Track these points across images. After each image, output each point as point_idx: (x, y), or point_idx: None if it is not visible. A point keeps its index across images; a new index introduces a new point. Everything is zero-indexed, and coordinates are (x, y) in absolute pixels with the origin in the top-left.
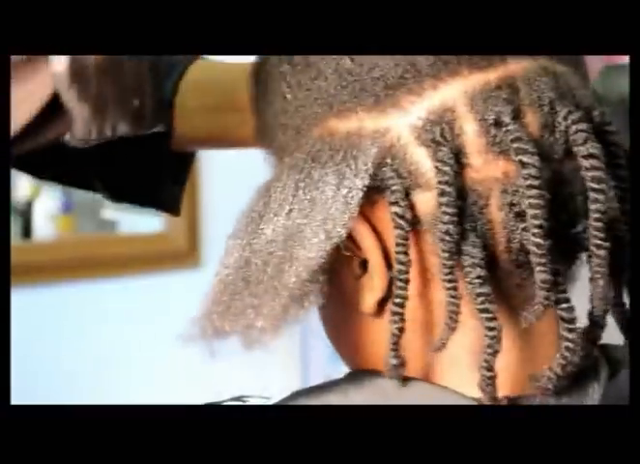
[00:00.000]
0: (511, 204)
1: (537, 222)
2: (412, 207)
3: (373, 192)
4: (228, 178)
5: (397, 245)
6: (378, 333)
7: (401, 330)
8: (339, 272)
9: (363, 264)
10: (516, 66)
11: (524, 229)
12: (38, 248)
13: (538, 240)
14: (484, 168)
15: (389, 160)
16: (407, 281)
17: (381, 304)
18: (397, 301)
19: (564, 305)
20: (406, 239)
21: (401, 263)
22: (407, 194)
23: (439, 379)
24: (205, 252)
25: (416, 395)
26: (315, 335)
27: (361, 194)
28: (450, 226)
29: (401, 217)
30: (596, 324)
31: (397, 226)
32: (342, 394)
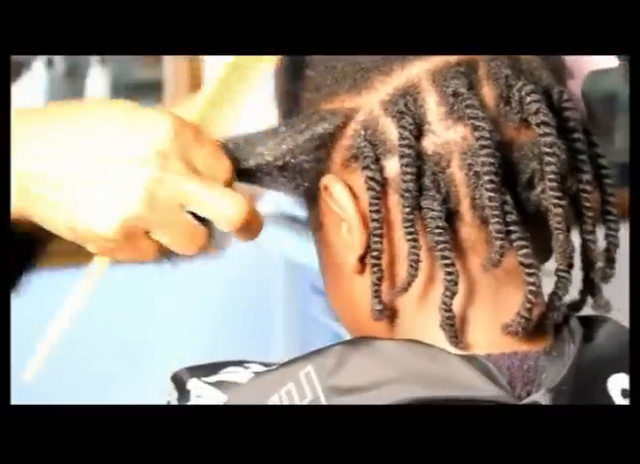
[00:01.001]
0: (470, 164)
1: (488, 178)
2: (382, 170)
3: (351, 161)
4: None
5: (370, 204)
6: (363, 288)
7: (380, 279)
8: (331, 234)
9: (348, 228)
10: None
11: (481, 185)
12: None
13: (491, 193)
14: (445, 133)
15: (362, 132)
16: (381, 236)
17: (362, 262)
18: (374, 253)
19: (522, 252)
20: (378, 198)
21: (374, 220)
22: (377, 160)
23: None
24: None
25: (404, 354)
26: (314, 322)
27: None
28: (410, 184)
29: (372, 178)
30: (562, 278)
31: (369, 187)
32: (338, 354)
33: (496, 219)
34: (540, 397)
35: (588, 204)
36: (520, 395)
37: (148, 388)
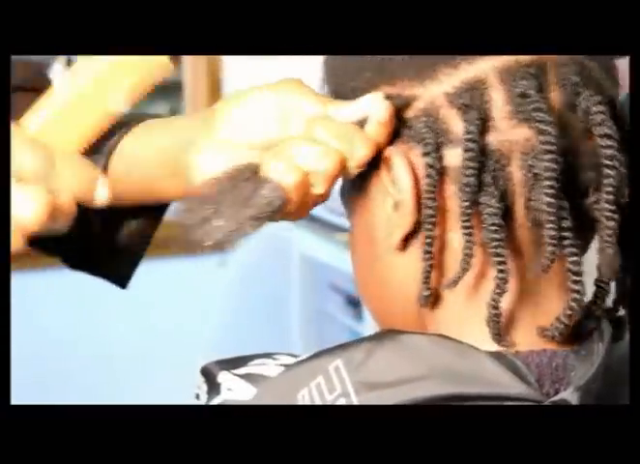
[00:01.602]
0: (530, 166)
1: (549, 183)
2: (441, 159)
3: (413, 142)
4: None
5: (426, 191)
6: (402, 268)
7: (431, 266)
8: (372, 210)
9: (398, 203)
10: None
11: (540, 188)
12: None
13: (549, 199)
14: (508, 132)
15: (424, 118)
16: (434, 224)
17: (406, 241)
18: (427, 241)
19: (572, 259)
20: (434, 186)
21: (429, 207)
22: (438, 148)
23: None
24: None
25: (432, 349)
26: (331, 320)
27: None
28: (471, 178)
29: (431, 166)
30: (602, 289)
31: (428, 174)
32: (366, 348)
33: (551, 225)
34: (569, 396)
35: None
36: (548, 393)
37: (162, 385)
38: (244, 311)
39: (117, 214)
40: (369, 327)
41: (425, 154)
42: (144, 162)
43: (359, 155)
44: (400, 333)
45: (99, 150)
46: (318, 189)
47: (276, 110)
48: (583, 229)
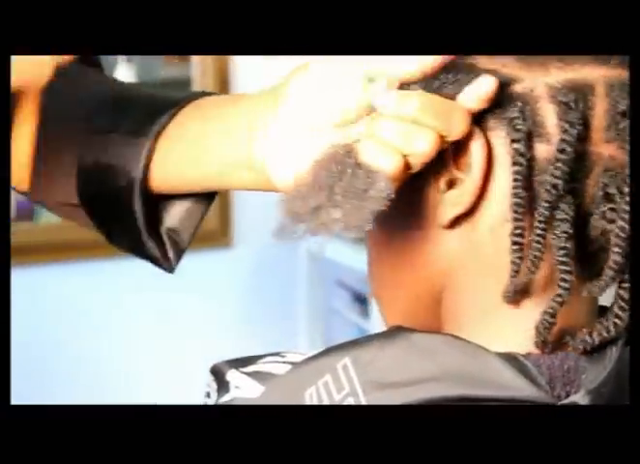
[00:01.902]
0: (605, 184)
1: (627, 208)
2: (531, 149)
3: (498, 124)
4: None
5: (515, 180)
6: (445, 246)
7: (521, 258)
8: (420, 187)
9: (452, 182)
10: None
11: (610, 210)
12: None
13: (624, 224)
14: (599, 145)
15: (519, 103)
16: (524, 214)
17: (457, 220)
18: (517, 231)
19: (625, 285)
20: (523, 175)
21: (519, 197)
22: (529, 137)
23: (468, 330)
24: (236, 232)
25: (442, 349)
26: (338, 317)
27: None
28: (560, 182)
29: (521, 154)
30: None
31: (516, 163)
32: (376, 346)
33: (619, 250)
34: (580, 399)
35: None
36: (560, 395)
37: (173, 383)
38: (251, 307)
39: (164, 196)
40: (376, 324)
41: (516, 140)
42: (210, 150)
43: (456, 132)
44: (411, 331)
45: (141, 129)
46: (414, 171)
47: (349, 78)
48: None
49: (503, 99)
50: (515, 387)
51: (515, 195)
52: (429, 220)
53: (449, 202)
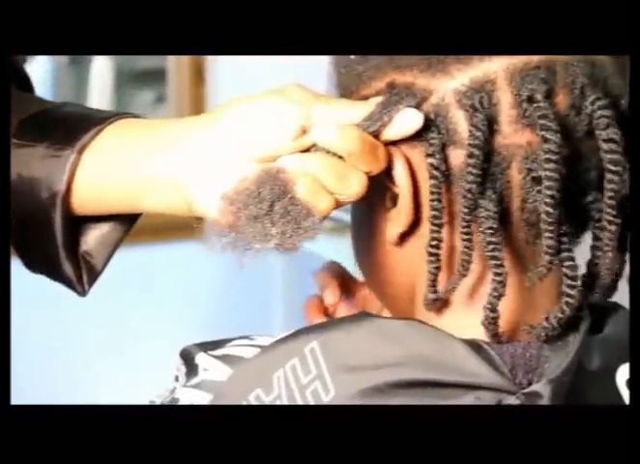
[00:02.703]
0: (530, 169)
1: (549, 193)
2: (446, 160)
3: (415, 140)
4: None
5: (432, 193)
6: (398, 263)
7: (437, 268)
8: (373, 202)
9: (394, 199)
10: None
11: (538, 192)
12: None
13: (549, 209)
14: (512, 135)
15: (432, 116)
16: (441, 225)
17: (403, 237)
18: (433, 243)
19: (568, 263)
20: (439, 188)
21: (435, 209)
22: (443, 148)
23: (449, 316)
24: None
25: (409, 335)
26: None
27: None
28: (473, 186)
29: (436, 168)
30: (603, 288)
31: (432, 176)
32: (343, 330)
33: (549, 234)
34: (541, 388)
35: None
36: (521, 383)
37: (147, 375)
38: (226, 299)
39: (83, 218)
40: None
41: (429, 155)
42: (130, 168)
43: (380, 168)
44: (378, 316)
45: (65, 142)
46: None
47: (286, 122)
48: (578, 228)
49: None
50: (479, 373)
51: (432, 208)
52: (378, 234)
53: (391, 220)
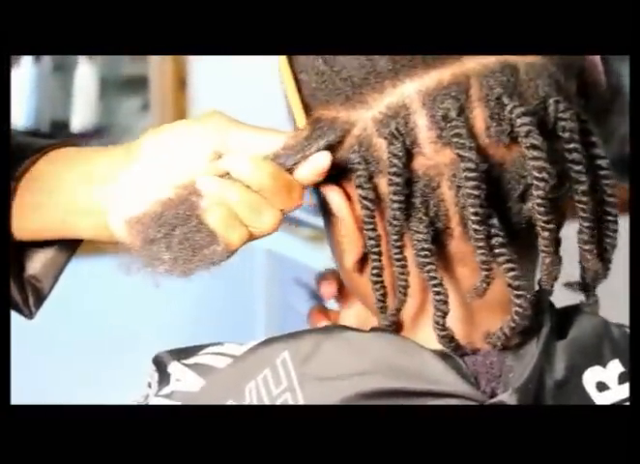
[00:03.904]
0: (459, 186)
1: (473, 210)
2: (376, 188)
3: (348, 172)
4: (217, 107)
5: (365, 222)
6: (362, 286)
7: (384, 295)
8: (332, 233)
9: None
10: (473, 62)
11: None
12: None
13: (476, 226)
14: (435, 156)
15: (356, 147)
16: (380, 253)
17: (361, 264)
18: (374, 271)
19: (510, 274)
20: (372, 217)
21: (370, 238)
22: (371, 178)
23: (412, 332)
24: None
25: (377, 345)
26: (295, 314)
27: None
28: (397, 212)
29: (365, 198)
30: (543, 291)
31: (363, 206)
32: (313, 341)
33: (481, 251)
34: (507, 398)
35: (584, 214)
36: (485, 391)
37: (133, 379)
38: (209, 305)
39: (29, 243)
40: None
41: (358, 186)
42: (57, 196)
43: (294, 206)
44: (347, 328)
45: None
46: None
47: (201, 147)
48: (526, 236)
49: (347, 148)
50: (448, 382)
51: (368, 237)
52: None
53: (344, 250)
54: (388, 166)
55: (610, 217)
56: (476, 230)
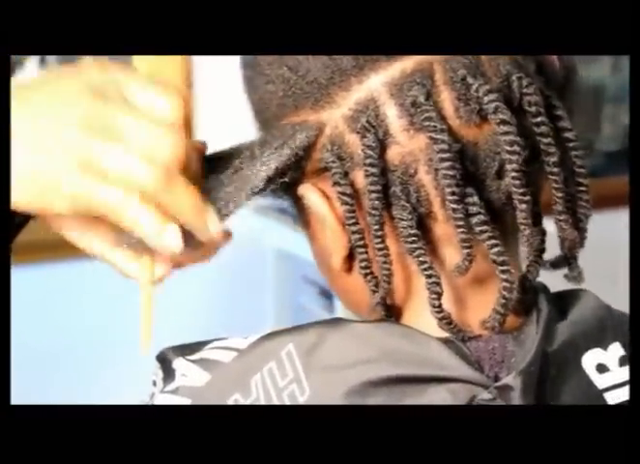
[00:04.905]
0: (436, 169)
1: (450, 190)
2: (353, 183)
3: (323, 171)
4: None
5: (346, 218)
6: (353, 285)
7: (377, 285)
8: (317, 234)
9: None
10: None
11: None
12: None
13: (454, 205)
14: (409, 143)
15: (329, 146)
16: (365, 246)
17: (348, 261)
18: (362, 264)
19: (494, 250)
20: (353, 212)
21: (354, 232)
22: (347, 174)
23: (413, 323)
24: None
25: (382, 334)
26: (305, 312)
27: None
28: (376, 202)
29: (344, 193)
30: (533, 263)
31: (343, 202)
32: (318, 332)
33: (461, 230)
34: (511, 380)
35: (557, 185)
36: (489, 376)
37: (138, 379)
38: (218, 303)
39: None
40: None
41: (335, 183)
42: None
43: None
44: (351, 321)
45: None
46: None
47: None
48: (509, 212)
49: (318, 148)
50: (453, 367)
51: (352, 232)
52: (331, 264)
53: (332, 250)
54: (363, 159)
55: (582, 188)
56: (454, 209)
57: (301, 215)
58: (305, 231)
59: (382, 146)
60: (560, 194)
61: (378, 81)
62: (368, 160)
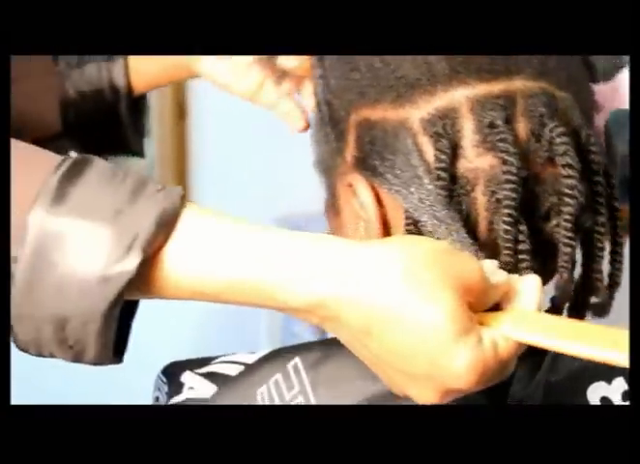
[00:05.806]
0: (493, 192)
1: (507, 211)
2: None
3: (386, 169)
4: (218, 135)
5: (406, 217)
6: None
7: None
8: (349, 227)
9: (366, 227)
10: (519, 83)
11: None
12: None
13: (507, 227)
14: (475, 159)
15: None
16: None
17: None
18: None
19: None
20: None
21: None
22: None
23: None
24: None
25: None
26: (299, 339)
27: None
28: (445, 211)
29: (400, 195)
30: (557, 308)
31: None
32: (323, 348)
33: (507, 251)
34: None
35: (599, 244)
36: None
37: (141, 379)
38: (210, 328)
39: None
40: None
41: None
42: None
43: None
44: None
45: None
46: None
47: None
48: (544, 252)
49: (391, 145)
50: None
51: (407, 232)
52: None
53: (364, 236)
54: (434, 162)
55: (617, 250)
56: (506, 231)
57: (332, 200)
58: (330, 218)
59: (453, 156)
60: (600, 254)
61: (462, 94)
62: (441, 164)
